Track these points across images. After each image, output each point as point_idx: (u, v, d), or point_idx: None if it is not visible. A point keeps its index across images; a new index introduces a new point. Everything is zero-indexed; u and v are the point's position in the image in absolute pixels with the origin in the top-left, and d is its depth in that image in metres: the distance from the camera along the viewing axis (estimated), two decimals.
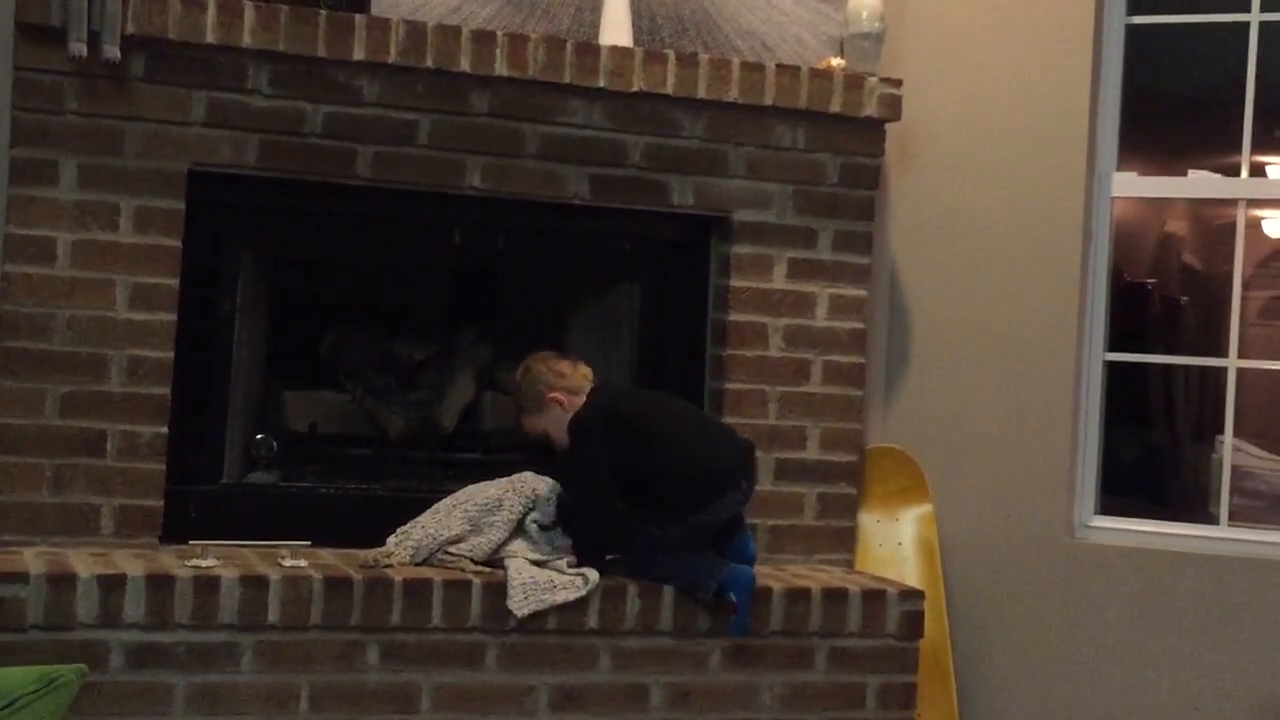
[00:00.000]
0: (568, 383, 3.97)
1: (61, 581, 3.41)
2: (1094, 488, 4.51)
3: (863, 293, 4.35)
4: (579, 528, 3.86)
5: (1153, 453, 5.62)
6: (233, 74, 3.82)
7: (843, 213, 4.32)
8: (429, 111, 3.97)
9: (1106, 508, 4.53)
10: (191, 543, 3.78)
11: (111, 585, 3.43)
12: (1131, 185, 4.59)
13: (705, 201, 4.22)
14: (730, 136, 4.22)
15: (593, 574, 3.75)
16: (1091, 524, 4.49)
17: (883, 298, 4.63)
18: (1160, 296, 5.67)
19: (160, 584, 3.47)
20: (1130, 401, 5.28)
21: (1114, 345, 4.55)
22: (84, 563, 3.54)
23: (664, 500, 3.83)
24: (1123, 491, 4.74)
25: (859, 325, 4.34)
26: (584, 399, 3.94)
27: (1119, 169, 4.54)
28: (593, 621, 3.74)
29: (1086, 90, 4.47)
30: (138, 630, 3.45)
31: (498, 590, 3.68)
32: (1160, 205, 5.55)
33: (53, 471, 3.71)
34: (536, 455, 4.05)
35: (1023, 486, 4.48)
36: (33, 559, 3.54)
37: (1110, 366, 4.55)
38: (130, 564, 3.56)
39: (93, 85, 3.72)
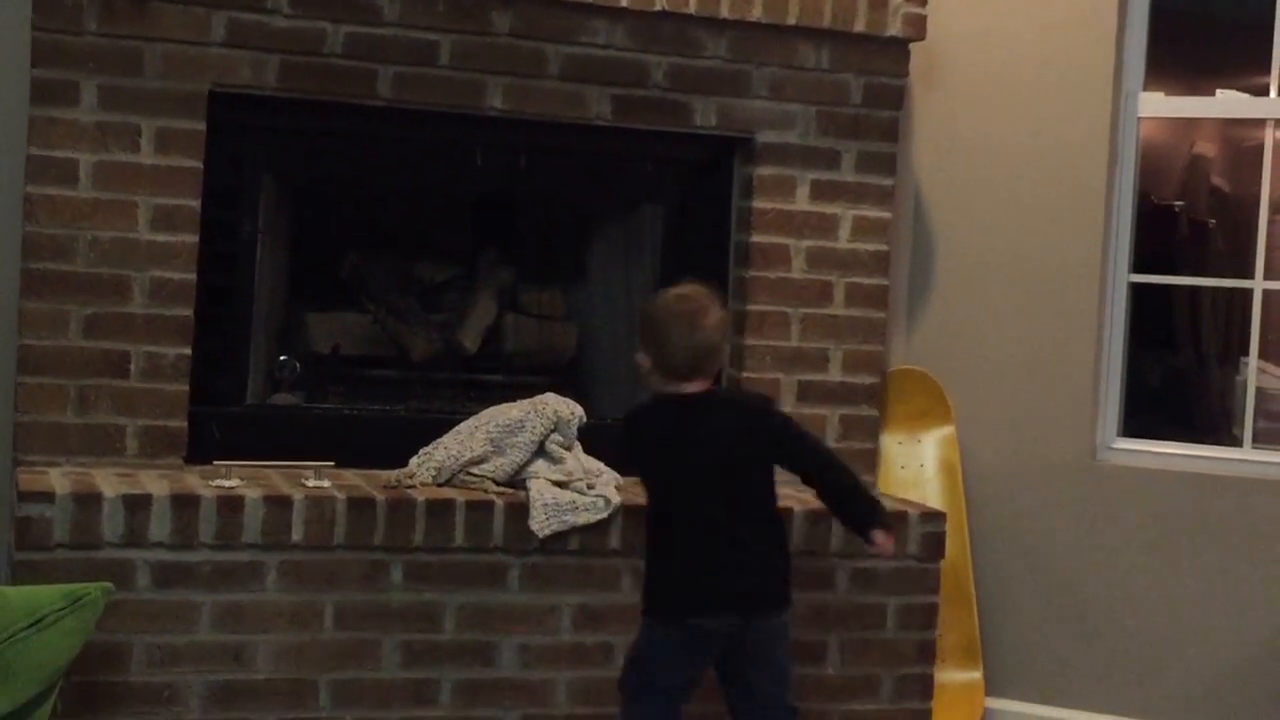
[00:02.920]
0: (667, 361, 3.35)
1: (87, 501, 3.43)
2: (1117, 410, 4.50)
3: (886, 214, 4.32)
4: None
5: (1177, 375, 5.60)
6: None
7: (866, 134, 4.29)
8: (450, 31, 3.95)
9: (1130, 430, 4.52)
10: (215, 463, 3.81)
11: (137, 505, 3.46)
12: (1159, 105, 4.54)
13: (728, 122, 4.20)
14: (753, 56, 4.18)
15: (614, 495, 3.76)
16: (1115, 446, 4.48)
17: (906, 219, 4.60)
18: (1188, 219, 5.63)
19: (185, 504, 3.49)
20: (1155, 324, 5.26)
21: (1141, 267, 4.53)
22: (109, 483, 3.56)
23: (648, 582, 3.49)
24: (1147, 414, 4.73)
25: (882, 247, 4.32)
26: (658, 383, 3.40)
27: (1146, 89, 4.49)
28: (614, 542, 3.76)
29: (1114, 8, 4.42)
30: (163, 549, 3.47)
31: (520, 511, 3.70)
32: (1188, 126, 5.50)
33: (77, 392, 3.73)
34: (558, 378, 4.05)
35: (1046, 408, 4.47)
36: (58, 479, 3.57)
37: (1135, 289, 4.53)
38: (155, 484, 3.58)
39: (112, 5, 3.70)
